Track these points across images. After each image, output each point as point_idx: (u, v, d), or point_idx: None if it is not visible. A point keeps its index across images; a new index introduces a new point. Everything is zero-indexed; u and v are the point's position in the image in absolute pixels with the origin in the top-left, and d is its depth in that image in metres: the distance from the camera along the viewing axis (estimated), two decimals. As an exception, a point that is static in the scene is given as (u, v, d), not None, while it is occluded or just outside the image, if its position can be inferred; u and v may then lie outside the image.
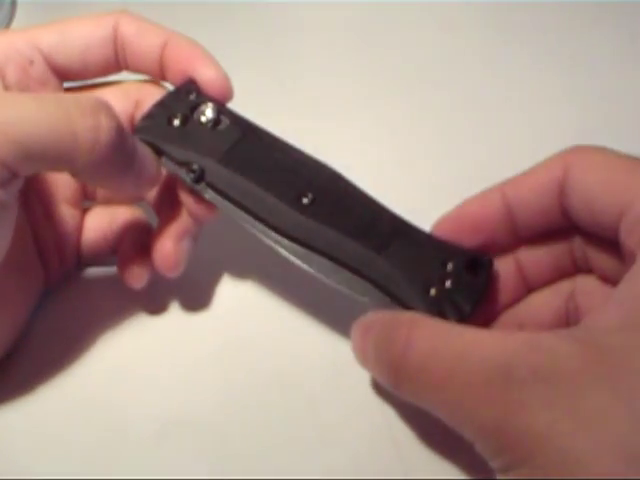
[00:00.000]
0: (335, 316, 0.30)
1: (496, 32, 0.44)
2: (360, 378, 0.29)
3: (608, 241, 0.24)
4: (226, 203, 0.27)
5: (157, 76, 0.29)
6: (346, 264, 0.26)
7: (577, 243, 0.26)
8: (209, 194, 0.27)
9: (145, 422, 0.27)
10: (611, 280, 0.25)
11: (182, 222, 0.28)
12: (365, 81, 0.41)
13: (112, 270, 0.30)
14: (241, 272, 0.32)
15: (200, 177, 0.27)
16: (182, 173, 0.27)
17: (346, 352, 0.29)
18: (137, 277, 0.29)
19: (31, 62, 0.27)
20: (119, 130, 0.23)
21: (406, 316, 0.23)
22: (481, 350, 0.21)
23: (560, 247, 0.26)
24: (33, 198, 0.28)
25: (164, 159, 0.27)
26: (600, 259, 0.25)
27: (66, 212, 0.29)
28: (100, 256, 0.31)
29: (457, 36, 0.44)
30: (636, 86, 0.41)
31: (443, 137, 0.38)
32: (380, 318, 0.24)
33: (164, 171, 0.28)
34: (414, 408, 0.28)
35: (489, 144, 0.38)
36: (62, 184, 0.29)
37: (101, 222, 0.30)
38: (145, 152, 0.26)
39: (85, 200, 0.30)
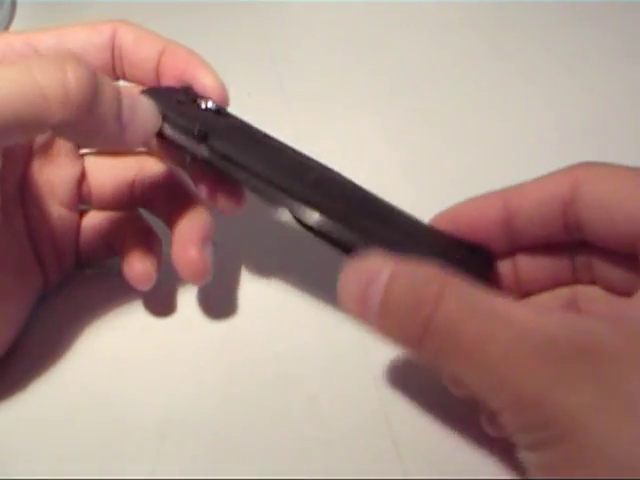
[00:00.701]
0: (335, 315, 0.30)
1: (497, 32, 0.44)
2: (360, 377, 0.29)
3: (620, 252, 0.23)
4: (229, 166, 0.26)
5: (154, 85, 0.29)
6: (354, 229, 0.25)
7: (580, 256, 0.25)
8: (211, 155, 0.26)
9: (145, 422, 0.27)
10: (617, 291, 0.25)
11: (200, 227, 0.28)
12: (365, 81, 0.41)
13: (111, 270, 0.30)
14: (239, 271, 0.32)
15: (204, 137, 0.26)
16: (184, 138, 0.26)
17: (346, 351, 0.30)
18: (145, 279, 0.28)
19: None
20: (91, 78, 0.22)
21: (437, 271, 0.22)
22: (524, 319, 0.20)
23: (560, 258, 0.26)
24: (29, 200, 0.28)
25: (165, 125, 0.26)
26: (608, 270, 0.25)
27: (62, 214, 0.29)
28: (98, 257, 0.31)
29: (457, 36, 0.44)
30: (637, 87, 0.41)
31: (444, 138, 0.38)
32: (401, 270, 0.22)
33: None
34: (414, 408, 0.28)
35: (490, 144, 0.38)
36: (58, 186, 0.29)
37: (99, 224, 0.30)
38: (135, 98, 0.25)
39: (80, 203, 0.30)
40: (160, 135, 0.26)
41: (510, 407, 0.20)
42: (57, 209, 0.29)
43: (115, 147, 0.25)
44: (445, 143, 0.38)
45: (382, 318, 0.22)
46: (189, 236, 0.28)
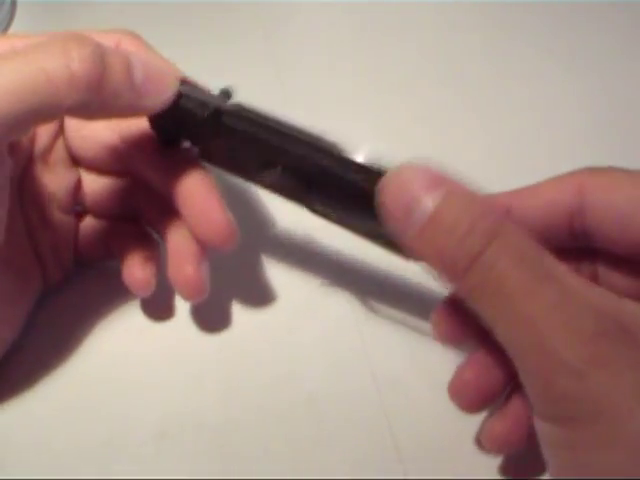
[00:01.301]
0: (335, 316, 0.31)
1: (497, 31, 0.44)
2: (360, 378, 0.29)
3: (632, 259, 0.23)
4: (254, 118, 0.25)
5: None
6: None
7: (585, 263, 0.25)
8: (236, 107, 0.25)
9: (145, 422, 0.27)
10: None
11: (196, 243, 0.28)
12: (365, 81, 0.41)
13: (111, 271, 0.30)
14: (239, 273, 0.32)
15: (228, 93, 0.26)
16: (207, 94, 0.26)
17: (346, 352, 0.30)
18: (145, 286, 0.28)
19: None
20: (95, 55, 0.22)
21: (494, 206, 0.21)
22: (575, 285, 0.19)
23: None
24: (28, 203, 0.28)
25: (183, 87, 0.25)
26: (614, 278, 0.24)
27: (60, 218, 0.29)
28: (97, 259, 0.31)
29: (458, 37, 0.44)
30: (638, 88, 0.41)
31: (444, 138, 0.38)
32: (457, 191, 0.21)
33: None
34: (414, 408, 0.28)
35: (490, 145, 0.38)
36: (55, 193, 0.29)
37: (97, 228, 0.30)
38: (148, 63, 0.24)
39: (75, 204, 0.30)
40: (171, 111, 0.25)
41: (542, 370, 0.19)
42: (55, 213, 0.29)
43: (136, 115, 0.25)
44: (446, 143, 0.38)
45: (425, 237, 0.21)
46: (185, 253, 0.27)
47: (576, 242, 0.24)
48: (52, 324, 0.30)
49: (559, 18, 0.45)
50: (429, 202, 0.20)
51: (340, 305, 0.31)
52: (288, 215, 0.34)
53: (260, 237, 0.33)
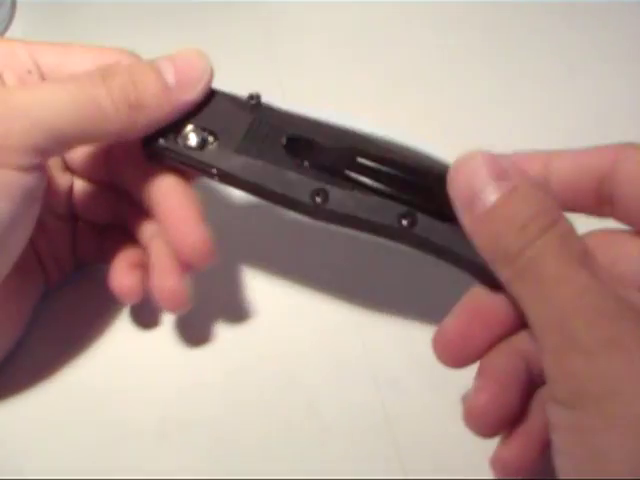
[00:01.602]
0: (335, 316, 0.31)
1: (498, 32, 0.44)
2: (360, 378, 0.29)
3: None
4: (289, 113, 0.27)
5: None
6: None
7: None
8: (267, 108, 0.27)
9: (145, 422, 0.27)
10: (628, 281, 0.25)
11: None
12: (365, 81, 0.41)
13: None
14: (240, 271, 0.32)
15: (257, 96, 0.27)
16: (236, 97, 0.27)
17: (347, 352, 0.30)
18: (131, 293, 0.28)
19: (29, 71, 0.27)
20: (136, 80, 0.25)
21: (554, 203, 0.22)
22: (606, 275, 0.20)
23: None
24: None
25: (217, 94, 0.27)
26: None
27: (56, 220, 0.29)
28: (95, 262, 0.31)
29: (459, 36, 0.44)
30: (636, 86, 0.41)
31: (445, 138, 0.38)
32: (525, 185, 0.22)
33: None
34: (414, 408, 0.28)
35: (491, 145, 0.38)
36: (51, 197, 0.28)
37: (91, 231, 0.30)
38: (178, 66, 0.26)
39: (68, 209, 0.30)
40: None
41: (558, 348, 0.20)
42: (51, 216, 0.29)
43: (180, 109, 0.26)
44: (446, 143, 0.38)
45: (484, 223, 0.22)
46: (167, 265, 0.27)
47: (601, 212, 0.24)
48: (52, 324, 0.30)
49: (561, 18, 0.45)
50: (494, 191, 0.22)
51: (340, 306, 0.31)
52: (286, 215, 0.34)
53: (261, 239, 0.33)
